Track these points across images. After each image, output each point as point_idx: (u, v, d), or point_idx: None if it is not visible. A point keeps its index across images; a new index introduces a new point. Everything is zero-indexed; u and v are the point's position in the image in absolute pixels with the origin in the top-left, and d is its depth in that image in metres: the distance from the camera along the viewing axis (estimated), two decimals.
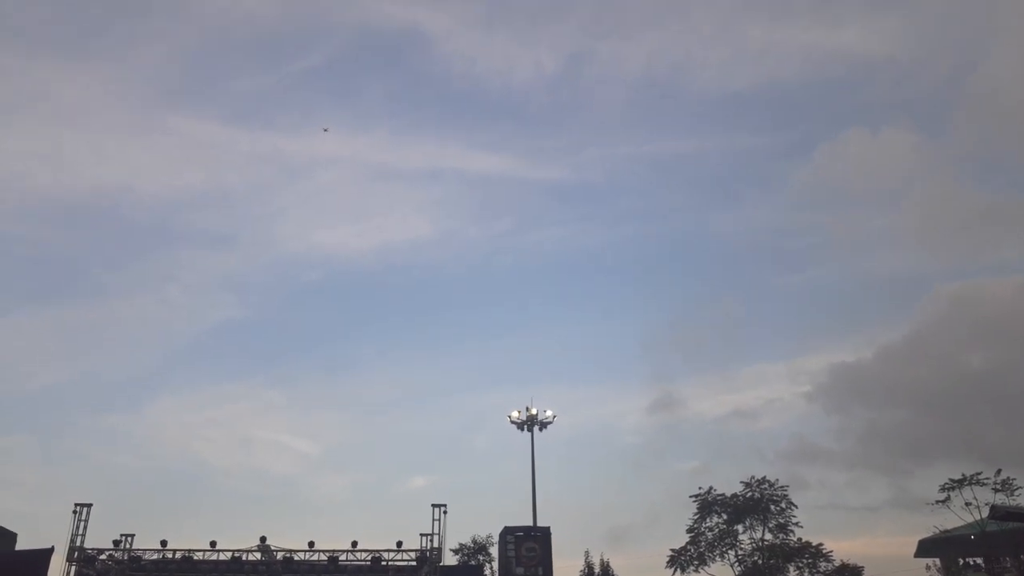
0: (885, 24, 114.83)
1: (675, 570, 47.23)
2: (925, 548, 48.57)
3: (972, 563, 46.40)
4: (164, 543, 35.95)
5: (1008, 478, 41.16)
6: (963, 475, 41.79)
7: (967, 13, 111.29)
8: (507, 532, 41.16)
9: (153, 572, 35.69)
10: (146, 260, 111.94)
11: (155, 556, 35.91)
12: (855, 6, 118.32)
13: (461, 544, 50.22)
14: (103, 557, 35.58)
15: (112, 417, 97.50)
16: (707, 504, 47.98)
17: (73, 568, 34.40)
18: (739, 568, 46.44)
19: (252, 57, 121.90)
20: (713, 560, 47.04)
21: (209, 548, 35.81)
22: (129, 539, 35.92)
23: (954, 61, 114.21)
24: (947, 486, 42.09)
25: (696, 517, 48.16)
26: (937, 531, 45.02)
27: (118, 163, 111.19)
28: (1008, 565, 42.42)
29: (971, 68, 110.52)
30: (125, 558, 35.57)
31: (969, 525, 42.18)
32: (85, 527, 34.94)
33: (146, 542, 36.22)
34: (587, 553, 52.31)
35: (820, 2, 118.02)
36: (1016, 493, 40.81)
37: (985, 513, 39.94)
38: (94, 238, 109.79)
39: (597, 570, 51.63)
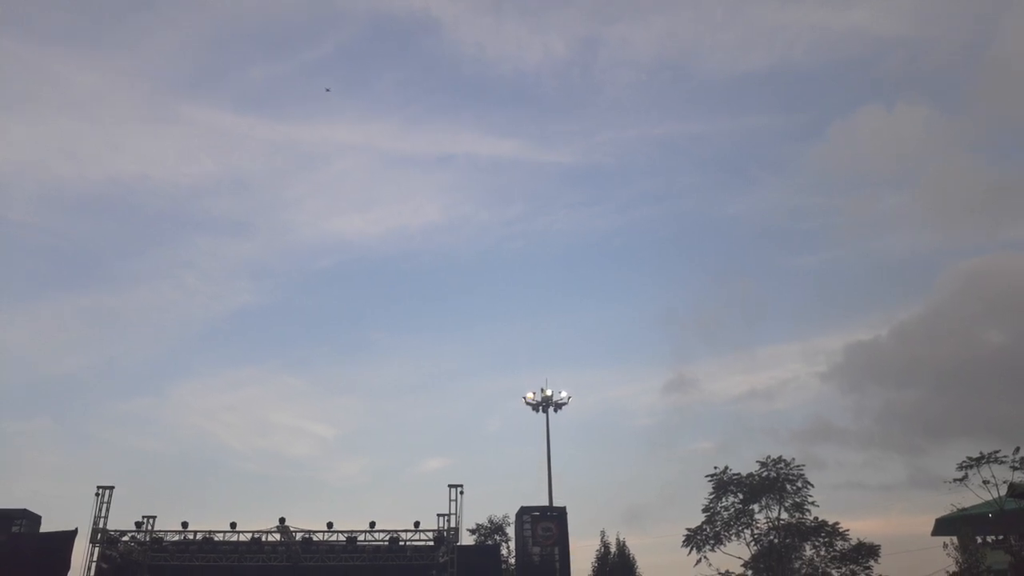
0: (895, 3, 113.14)
1: (691, 549, 47.39)
2: (942, 526, 48.46)
3: (990, 541, 46.26)
4: (185, 524, 36.45)
5: None
6: (981, 453, 41.53)
7: None
8: (523, 512, 41.39)
9: (175, 553, 36.26)
10: (163, 248, 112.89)
11: (176, 537, 36.49)
12: None
13: (478, 524, 50.65)
14: (125, 539, 36.17)
15: (133, 402, 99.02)
16: (723, 484, 47.98)
17: (97, 550, 35.00)
18: (755, 547, 46.50)
19: (265, 46, 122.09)
20: (729, 539, 47.08)
21: (229, 529, 36.29)
22: (151, 521, 36.42)
23: (966, 38, 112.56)
24: (965, 464, 41.85)
25: (712, 497, 48.18)
26: (954, 509, 44.88)
27: (134, 152, 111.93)
28: None
29: (984, 45, 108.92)
30: (147, 539, 36.13)
31: (987, 503, 42.00)
32: (108, 509, 35.53)
33: (167, 524, 36.79)
34: (603, 533, 52.55)
35: None
36: None
37: (1003, 491, 39.74)
38: (112, 227, 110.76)
39: (613, 550, 51.86)
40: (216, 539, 36.37)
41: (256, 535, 36.30)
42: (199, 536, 36.32)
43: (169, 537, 36.49)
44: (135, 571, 35.76)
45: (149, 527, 36.37)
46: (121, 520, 36.36)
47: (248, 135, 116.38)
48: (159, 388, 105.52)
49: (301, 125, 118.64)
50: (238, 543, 36.54)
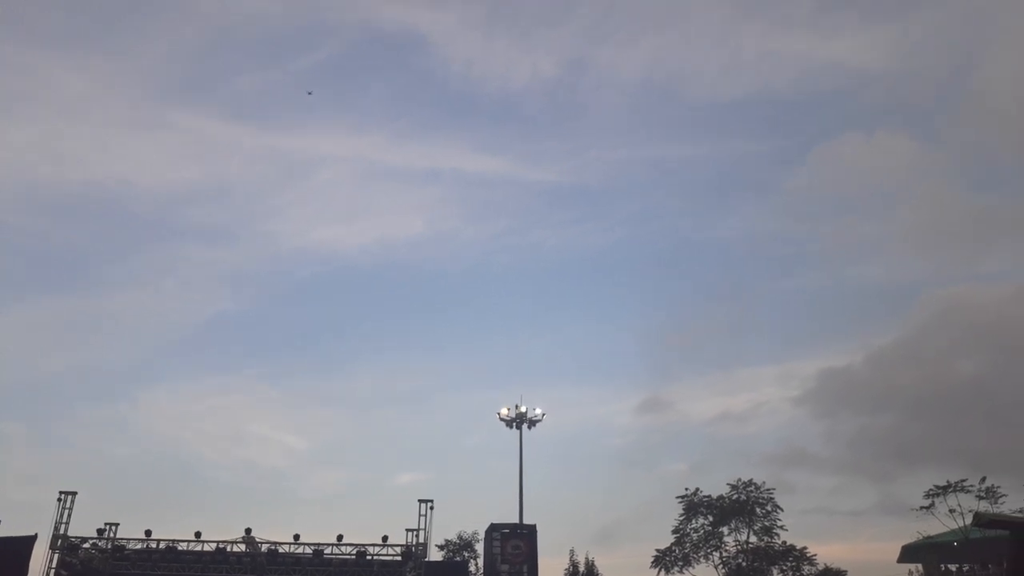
0: (880, 35, 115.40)
1: (660, 570, 47.42)
2: (908, 553, 48.90)
3: (955, 569, 46.70)
4: (148, 533, 35.83)
5: (993, 486, 41.54)
6: (948, 482, 42.10)
7: (962, 24, 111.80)
8: (493, 529, 41.17)
9: (136, 562, 35.57)
10: (144, 253, 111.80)
11: (139, 546, 35.81)
12: (850, 18, 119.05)
13: (447, 540, 50.21)
14: (86, 546, 35.45)
15: (107, 407, 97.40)
16: (693, 505, 48.14)
17: (56, 556, 34.25)
18: (723, 570, 46.62)
19: (254, 55, 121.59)
20: (698, 561, 47.26)
21: (193, 539, 35.74)
22: (113, 528, 35.74)
23: (949, 70, 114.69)
24: (932, 492, 42.40)
25: (682, 518, 48.34)
26: (921, 537, 45.33)
27: (118, 157, 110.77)
28: (990, 572, 42.65)
29: (965, 77, 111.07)
30: (109, 547, 35.45)
31: (952, 532, 42.47)
32: (69, 515, 34.76)
33: (131, 532, 36.10)
34: (572, 552, 52.32)
35: (816, 13, 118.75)
36: (1000, 501, 41.21)
37: (969, 520, 40.20)
38: (93, 230, 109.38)
39: (582, 569, 51.66)
40: (179, 548, 35.75)
41: (221, 545, 35.76)
42: (162, 545, 35.69)
43: (131, 545, 35.80)
44: None
45: (111, 534, 35.68)
46: (85, 527, 35.67)
47: (235, 143, 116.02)
48: (133, 394, 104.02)
49: (288, 135, 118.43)
50: (202, 553, 35.94)
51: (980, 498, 41.26)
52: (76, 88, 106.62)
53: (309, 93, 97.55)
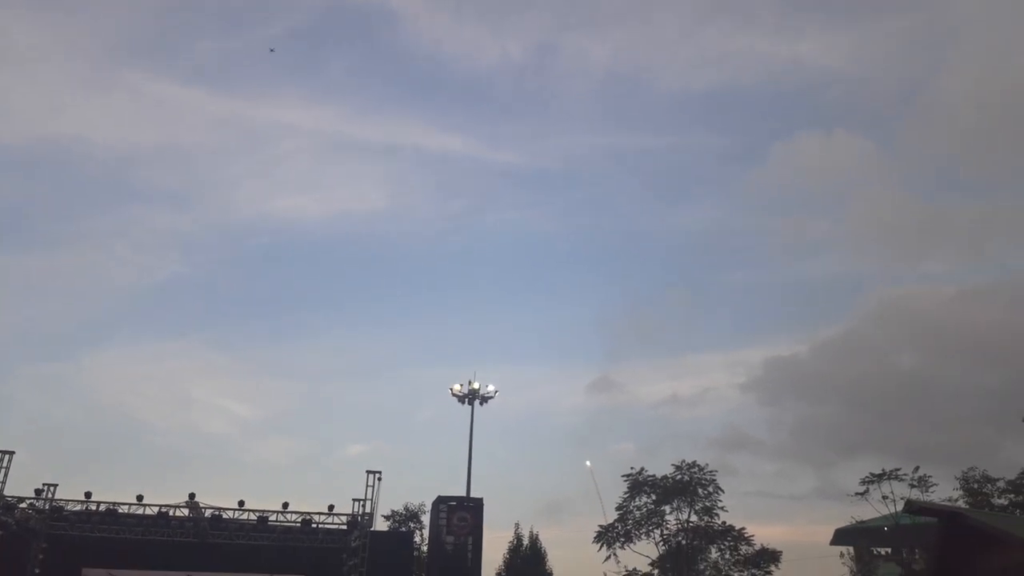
0: (842, 39, 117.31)
1: (602, 545, 48.24)
2: (841, 537, 50.56)
3: (884, 553, 48.45)
4: (88, 495, 35.18)
5: (924, 475, 43.05)
6: (883, 470, 43.51)
7: (922, 32, 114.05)
8: (440, 501, 41.37)
9: (75, 523, 34.92)
10: (95, 213, 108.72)
11: (78, 507, 35.15)
12: (814, 20, 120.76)
13: (393, 511, 50.45)
14: (23, 506, 34.66)
15: (50, 367, 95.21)
16: (638, 484, 48.97)
17: None
18: (663, 547, 47.63)
19: (218, 19, 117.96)
20: (639, 538, 48.20)
21: (135, 503, 35.22)
22: (52, 489, 34.96)
23: (907, 76, 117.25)
24: (867, 480, 43.79)
25: (626, 496, 49.16)
26: (854, 521, 46.87)
27: (73, 115, 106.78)
28: (917, 557, 44.37)
29: (923, 83, 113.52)
30: (46, 508, 34.72)
31: (884, 517, 43.98)
32: (6, 475, 33.82)
33: (71, 493, 35.38)
34: (517, 525, 53.07)
35: (781, 15, 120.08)
36: (931, 490, 42.78)
37: (900, 507, 41.70)
38: (44, 188, 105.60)
39: (526, 542, 52.38)
40: (120, 511, 35.19)
41: (163, 509, 35.29)
42: (102, 507, 35.09)
43: (70, 507, 35.12)
44: (31, 539, 34.34)
45: (49, 495, 34.94)
46: (21, 487, 34.83)
47: (194, 107, 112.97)
48: (78, 355, 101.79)
49: (248, 102, 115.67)
50: (143, 516, 35.46)
51: (912, 486, 42.78)
52: (31, 43, 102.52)
53: (271, 50, 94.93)
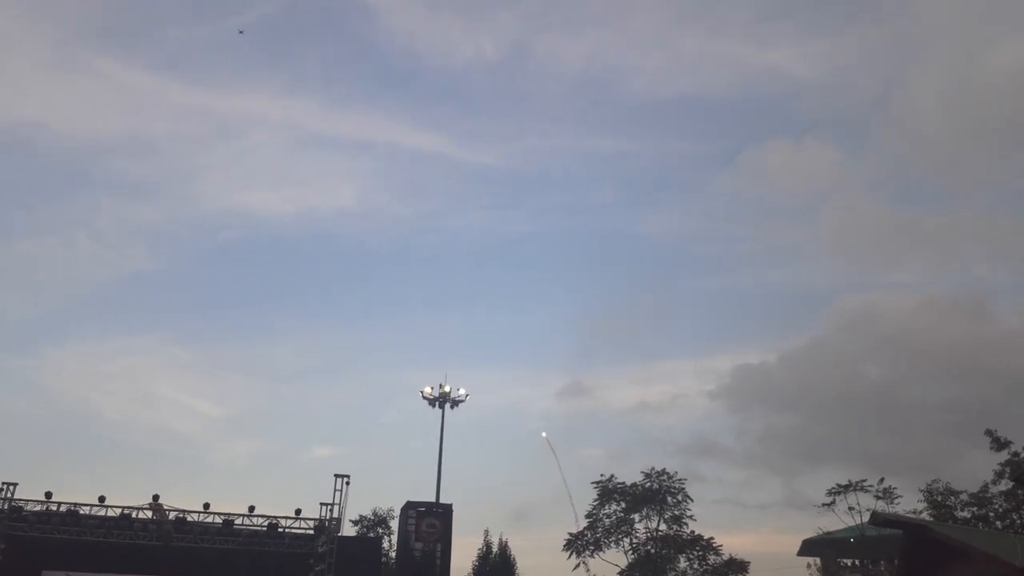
0: (814, 48, 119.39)
1: (571, 553, 48.14)
2: (808, 547, 50.86)
3: (850, 564, 48.84)
4: (49, 495, 34.45)
5: (890, 487, 43.42)
6: (849, 481, 43.81)
7: (892, 44, 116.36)
8: (409, 507, 41.14)
9: (35, 524, 34.15)
10: (57, 202, 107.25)
11: (38, 508, 34.39)
12: (786, 29, 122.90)
13: (361, 516, 50.03)
14: None
15: (8, 361, 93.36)
16: (607, 491, 48.95)
17: None
18: (632, 555, 47.63)
19: (188, 6, 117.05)
20: (608, 546, 48.11)
21: (97, 503, 34.54)
22: (11, 488, 34.15)
23: (877, 86, 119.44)
24: (834, 490, 44.06)
25: (596, 503, 49.11)
26: (821, 532, 47.21)
27: (36, 100, 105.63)
28: (883, 568, 44.79)
29: (892, 94, 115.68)
30: (5, 508, 33.89)
31: (850, 528, 44.32)
32: None
33: (31, 493, 34.62)
34: (487, 532, 52.80)
35: (754, 23, 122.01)
36: (896, 501, 43.13)
37: (866, 518, 42.06)
38: (3, 175, 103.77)
39: (496, 549, 52.16)
40: (81, 512, 34.51)
41: (126, 511, 34.64)
42: (63, 508, 34.38)
43: (30, 507, 34.34)
44: None
45: (8, 495, 34.10)
46: None
47: (161, 96, 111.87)
48: (37, 349, 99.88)
49: (218, 93, 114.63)
50: (105, 518, 34.77)
51: (878, 498, 43.10)
52: None
53: (240, 32, 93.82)
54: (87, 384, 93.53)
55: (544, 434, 54.38)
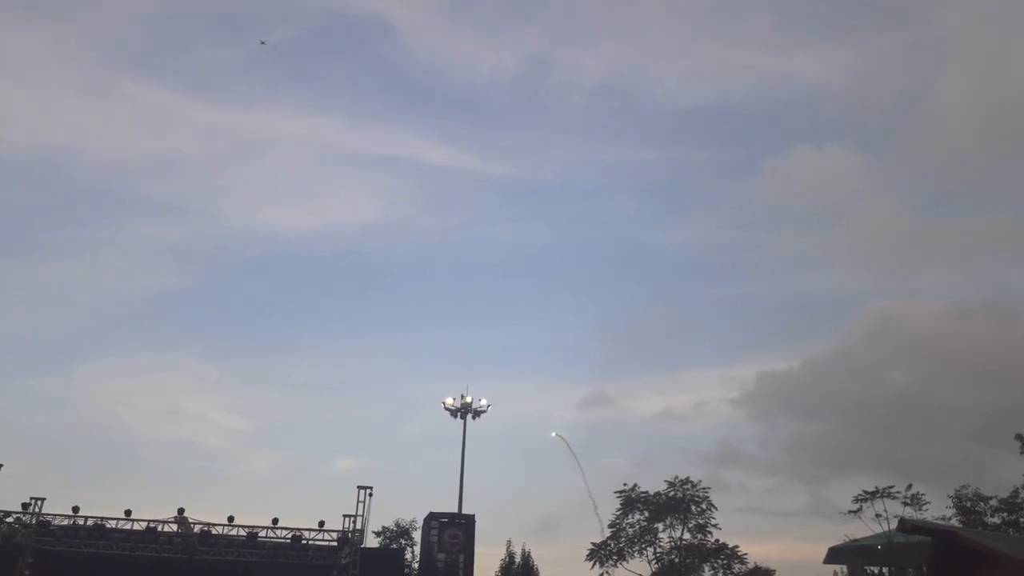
0: (836, 54, 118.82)
1: (594, 563, 47.91)
2: (834, 555, 50.21)
3: (878, 572, 48.20)
4: (76, 509, 34.80)
5: (918, 493, 42.86)
6: (876, 487, 43.30)
7: (915, 50, 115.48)
8: (431, 518, 41.15)
9: (62, 538, 34.55)
10: (87, 223, 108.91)
11: (65, 522, 34.77)
12: (808, 35, 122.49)
13: (384, 527, 50.04)
14: (9, 520, 34.33)
15: (40, 379, 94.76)
16: (630, 501, 48.72)
17: None
18: (656, 565, 47.31)
19: (214, 29, 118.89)
20: (632, 556, 47.87)
21: (123, 517, 34.84)
22: (39, 503, 34.55)
23: (900, 92, 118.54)
24: (860, 497, 43.56)
25: (619, 513, 48.88)
26: (847, 539, 46.64)
27: (66, 123, 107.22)
28: None
29: (915, 100, 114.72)
30: (33, 522, 34.32)
31: (877, 536, 43.77)
32: None
33: (58, 507, 34.98)
34: (509, 543, 52.69)
35: (775, 29, 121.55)
36: (924, 508, 42.55)
37: (894, 525, 41.51)
38: (36, 196, 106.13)
39: (518, 559, 52.02)
40: (108, 526, 34.82)
41: (152, 524, 34.91)
42: (90, 522, 34.72)
43: (57, 521, 34.73)
44: (18, 554, 33.92)
45: (37, 509, 34.53)
46: (8, 500, 34.59)
47: (188, 117, 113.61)
48: (67, 366, 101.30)
49: (243, 112, 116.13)
50: (131, 532, 35.05)
51: (905, 504, 42.56)
52: (26, 51, 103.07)
53: (262, 43, 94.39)
54: (114, 400, 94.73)
55: (554, 433, 54.20)
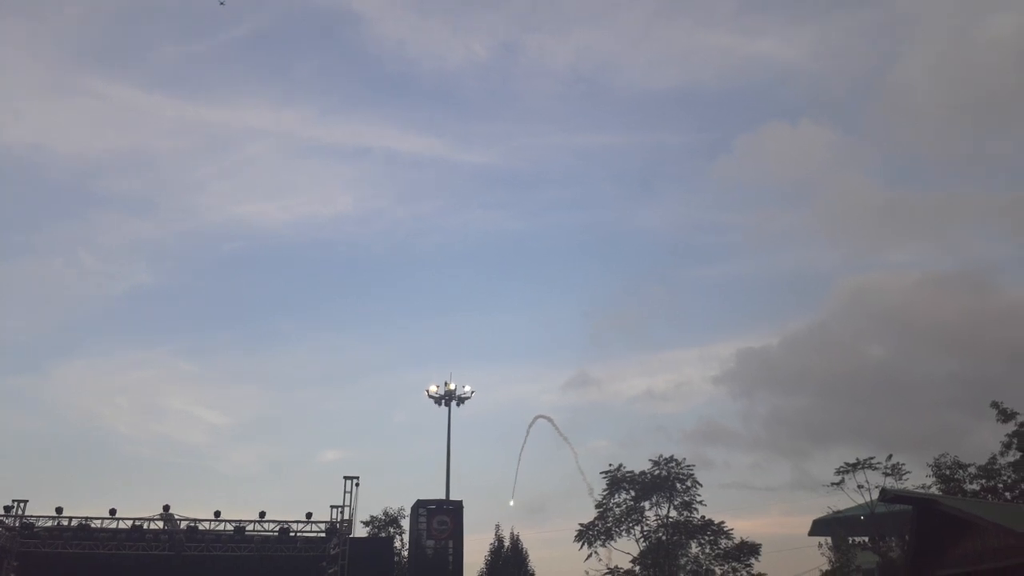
0: (801, 34, 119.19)
1: (583, 544, 48.21)
2: (818, 527, 51.09)
3: (861, 542, 48.96)
4: (60, 510, 34.53)
5: (898, 463, 43.48)
6: (857, 459, 43.89)
7: (881, 25, 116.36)
8: (419, 505, 41.20)
9: (47, 540, 34.25)
10: (59, 221, 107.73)
11: (49, 523, 34.47)
12: (773, 17, 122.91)
13: (372, 516, 50.08)
14: None
15: (16, 379, 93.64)
16: (616, 480, 48.99)
17: None
18: (644, 543, 47.70)
19: (179, 23, 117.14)
20: (620, 535, 48.15)
21: (108, 516, 34.60)
22: (22, 505, 34.24)
23: (868, 68, 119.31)
24: (842, 469, 44.14)
25: (605, 493, 49.18)
26: (830, 511, 47.32)
27: (33, 122, 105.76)
28: (893, 544, 44.90)
29: (884, 74, 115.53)
30: (16, 524, 33.99)
31: (860, 506, 44.44)
32: None
33: (41, 509, 34.74)
34: (498, 527, 52.93)
35: (740, 12, 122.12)
36: (904, 477, 43.15)
37: (875, 496, 42.14)
38: (4, 196, 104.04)
39: (507, 543, 52.27)
40: (93, 526, 34.56)
41: (137, 522, 34.73)
42: (74, 522, 34.45)
43: (41, 523, 34.42)
44: (2, 558, 33.59)
45: (19, 511, 34.20)
46: None
47: (156, 113, 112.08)
48: (44, 367, 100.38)
49: (212, 106, 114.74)
50: (117, 531, 34.87)
51: (887, 475, 43.14)
52: None
53: (221, 3, 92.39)
54: (94, 399, 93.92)
55: (536, 417, 54.57)
